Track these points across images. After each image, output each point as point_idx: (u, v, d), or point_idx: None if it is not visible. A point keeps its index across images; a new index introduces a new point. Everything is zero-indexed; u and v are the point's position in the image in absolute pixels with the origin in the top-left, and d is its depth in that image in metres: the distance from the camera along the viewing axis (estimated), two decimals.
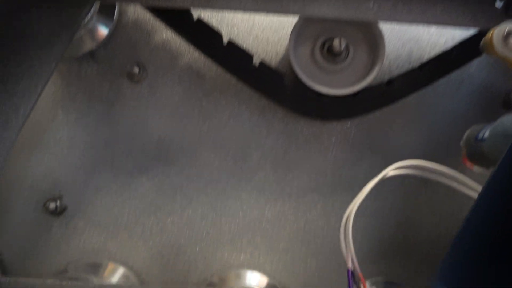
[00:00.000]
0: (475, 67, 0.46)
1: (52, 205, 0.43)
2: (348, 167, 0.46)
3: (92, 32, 0.44)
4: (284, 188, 0.46)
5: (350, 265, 0.31)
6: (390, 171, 0.35)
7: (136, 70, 0.45)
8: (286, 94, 0.44)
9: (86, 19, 0.42)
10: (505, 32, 0.30)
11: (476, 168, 0.37)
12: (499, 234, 0.29)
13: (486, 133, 0.33)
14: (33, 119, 0.45)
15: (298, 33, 0.41)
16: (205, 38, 0.42)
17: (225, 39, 0.42)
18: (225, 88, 0.46)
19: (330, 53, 0.42)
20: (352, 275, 0.31)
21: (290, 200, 0.46)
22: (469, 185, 0.35)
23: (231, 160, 0.46)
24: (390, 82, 0.43)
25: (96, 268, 0.44)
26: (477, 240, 0.29)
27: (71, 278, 0.42)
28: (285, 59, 0.46)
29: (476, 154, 0.35)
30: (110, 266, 0.44)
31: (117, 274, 0.44)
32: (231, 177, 0.46)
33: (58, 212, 0.44)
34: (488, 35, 0.31)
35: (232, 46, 0.42)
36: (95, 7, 0.43)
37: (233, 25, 0.46)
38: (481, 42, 0.32)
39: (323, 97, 0.43)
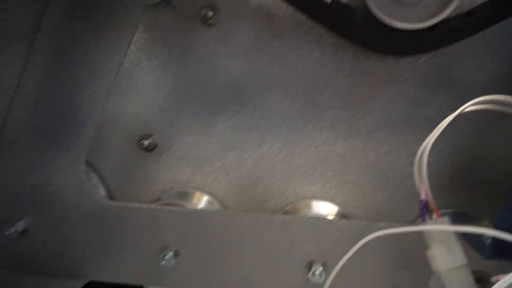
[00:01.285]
0: None
1: (145, 143, 0.49)
2: (420, 103, 0.46)
3: None
4: (354, 125, 0.47)
5: (423, 196, 0.33)
6: (469, 106, 0.34)
7: (210, 13, 0.47)
8: (358, 30, 0.43)
9: None
10: None
11: None
12: None
13: None
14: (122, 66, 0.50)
15: None
16: None
17: None
18: (295, 27, 0.47)
19: None
20: (425, 206, 0.33)
21: (360, 137, 0.47)
22: None
23: (302, 99, 0.48)
24: (471, 12, 0.41)
25: (185, 196, 0.51)
26: None
27: (166, 204, 0.48)
28: None
29: None
30: (197, 194, 0.51)
31: (203, 201, 0.51)
32: (302, 116, 0.48)
33: (150, 149, 0.50)
34: None
35: None
36: None
37: None
38: None
39: (397, 32, 0.42)
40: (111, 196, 0.52)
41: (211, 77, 0.49)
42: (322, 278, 0.40)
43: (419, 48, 0.43)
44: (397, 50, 0.44)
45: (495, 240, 0.30)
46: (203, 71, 0.49)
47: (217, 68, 0.49)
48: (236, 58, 0.48)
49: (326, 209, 0.49)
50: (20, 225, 0.45)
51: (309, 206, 0.49)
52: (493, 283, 0.27)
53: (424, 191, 0.33)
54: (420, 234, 0.33)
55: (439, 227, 0.31)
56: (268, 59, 0.48)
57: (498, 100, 0.34)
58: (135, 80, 0.50)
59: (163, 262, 0.43)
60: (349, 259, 0.41)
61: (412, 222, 0.48)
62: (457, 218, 0.47)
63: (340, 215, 0.48)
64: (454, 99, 0.45)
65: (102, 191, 0.51)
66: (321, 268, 0.41)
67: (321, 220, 0.42)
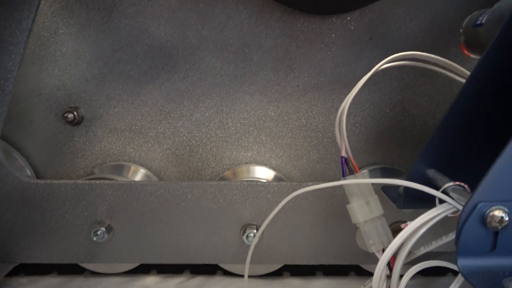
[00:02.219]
0: None
1: (70, 116, 0.47)
2: (348, 63, 0.46)
3: None
4: (286, 88, 0.47)
5: (344, 153, 0.34)
6: (384, 64, 0.35)
7: None
8: None
9: None
10: None
11: (474, 56, 0.37)
12: (482, 117, 0.31)
13: (484, 18, 0.33)
14: (36, 33, 0.46)
15: None
16: None
17: None
18: None
19: None
20: (345, 162, 0.34)
21: (291, 99, 0.48)
22: (465, 74, 0.36)
23: (233, 63, 0.47)
24: None
25: (119, 169, 0.49)
26: (461, 122, 0.31)
27: (98, 179, 0.47)
28: None
29: (473, 40, 0.35)
30: (132, 167, 0.49)
31: (139, 174, 0.49)
32: (233, 80, 0.47)
33: (76, 122, 0.48)
34: None
35: None
36: None
37: None
38: None
39: None
40: (38, 175, 0.49)
41: (136, 41, 0.47)
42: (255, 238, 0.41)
43: (344, 6, 0.44)
44: (323, 10, 0.44)
45: (407, 190, 0.32)
46: (128, 36, 0.46)
47: (142, 33, 0.46)
48: (162, 20, 0.46)
49: (262, 173, 0.49)
50: None
51: (245, 172, 0.49)
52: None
53: (344, 148, 0.34)
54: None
55: (354, 181, 0.32)
56: (196, 21, 0.46)
57: (411, 56, 0.36)
58: (53, 49, 0.47)
59: (96, 238, 0.42)
60: (282, 218, 0.42)
61: None
62: (386, 173, 0.49)
63: (276, 178, 0.49)
64: (382, 57, 0.46)
65: (27, 170, 0.48)
66: (255, 231, 0.42)
67: (253, 183, 0.43)
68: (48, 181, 0.43)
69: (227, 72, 0.47)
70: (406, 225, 0.29)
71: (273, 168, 0.50)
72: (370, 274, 0.47)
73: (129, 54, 0.47)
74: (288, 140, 0.49)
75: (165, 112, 0.48)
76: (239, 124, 0.49)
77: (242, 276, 0.47)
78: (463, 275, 0.24)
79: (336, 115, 0.47)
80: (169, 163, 0.50)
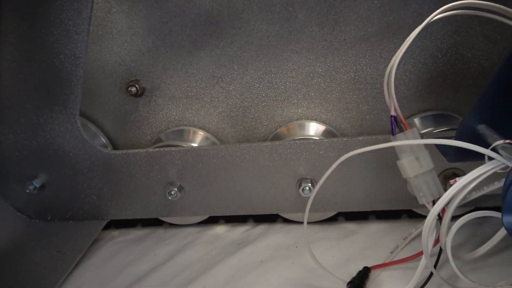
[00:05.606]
0: None
1: (133, 89, 0.51)
2: (396, 10, 0.45)
3: None
4: (332, 43, 0.47)
5: (393, 112, 0.35)
6: (437, 15, 0.34)
7: None
8: None
9: None
10: None
11: None
12: None
13: None
14: (93, 15, 0.49)
15: None
16: None
17: None
18: None
19: None
20: (395, 120, 0.35)
21: (338, 54, 0.48)
22: None
23: (278, 23, 0.47)
24: None
25: (181, 134, 0.54)
26: None
27: (166, 146, 0.52)
28: None
29: None
30: (192, 131, 0.54)
31: (199, 136, 0.54)
32: (279, 40, 0.48)
33: (140, 94, 0.52)
34: None
35: None
36: None
37: None
38: None
39: None
40: (113, 143, 0.56)
41: (184, 13, 0.48)
42: (311, 192, 0.45)
43: None
44: None
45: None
46: (175, 8, 0.48)
47: (188, 3, 0.48)
48: None
49: (313, 128, 0.51)
50: (37, 182, 0.50)
51: (297, 128, 0.52)
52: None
53: (393, 107, 0.35)
54: None
55: (403, 142, 0.33)
56: None
57: (466, 5, 0.34)
58: (109, 27, 0.50)
59: (170, 197, 0.48)
60: (335, 170, 0.45)
61: None
62: (439, 119, 0.49)
63: (327, 132, 0.51)
64: (431, 1, 0.44)
65: (102, 139, 0.55)
66: (309, 184, 0.45)
67: (306, 141, 0.45)
68: (124, 151, 0.48)
69: (272, 33, 0.48)
70: (455, 181, 0.31)
71: (324, 122, 0.51)
72: (422, 217, 0.49)
73: (178, 25, 0.49)
74: (337, 94, 0.50)
75: (217, 77, 0.51)
76: (287, 83, 0.50)
77: (300, 223, 0.52)
78: (507, 231, 0.26)
79: (385, 65, 0.48)
80: (225, 125, 0.54)
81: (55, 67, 0.45)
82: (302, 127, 0.52)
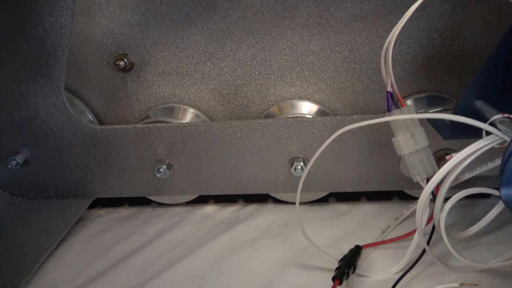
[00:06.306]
0: None
1: (121, 63, 0.49)
2: None
3: None
4: (328, 20, 0.46)
5: (389, 88, 0.35)
6: None
7: None
8: None
9: None
10: None
11: None
12: None
13: None
14: None
15: None
16: None
17: None
18: None
19: None
20: (391, 96, 0.35)
21: (334, 32, 0.47)
22: None
23: None
24: None
25: (171, 111, 0.53)
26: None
27: (155, 122, 0.50)
28: None
29: None
30: (182, 108, 0.52)
31: (189, 114, 0.53)
32: (274, 16, 0.47)
33: (128, 68, 0.50)
34: None
35: None
36: None
37: None
38: None
39: None
40: (99, 120, 0.54)
41: None
42: (303, 171, 0.44)
43: None
44: None
45: (453, 122, 0.33)
46: None
47: None
48: None
49: (306, 108, 0.51)
50: (20, 158, 0.48)
51: (290, 107, 0.51)
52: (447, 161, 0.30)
53: (390, 83, 0.34)
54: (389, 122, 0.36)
55: (399, 117, 0.33)
56: None
57: None
58: None
59: (159, 175, 0.47)
60: (327, 149, 0.44)
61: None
62: (433, 101, 0.48)
63: (320, 112, 0.50)
64: None
65: (88, 115, 0.53)
66: (302, 164, 0.45)
67: (298, 119, 0.45)
68: (111, 127, 0.47)
69: (267, 8, 0.46)
70: (451, 156, 0.30)
71: (317, 102, 0.51)
72: (413, 198, 0.49)
73: None
74: (331, 73, 0.49)
75: (209, 53, 0.50)
76: (281, 61, 0.49)
77: (291, 203, 0.51)
78: (505, 203, 0.26)
79: (380, 45, 0.47)
80: (216, 103, 0.52)
81: (38, 36, 0.43)
82: (294, 106, 0.51)
